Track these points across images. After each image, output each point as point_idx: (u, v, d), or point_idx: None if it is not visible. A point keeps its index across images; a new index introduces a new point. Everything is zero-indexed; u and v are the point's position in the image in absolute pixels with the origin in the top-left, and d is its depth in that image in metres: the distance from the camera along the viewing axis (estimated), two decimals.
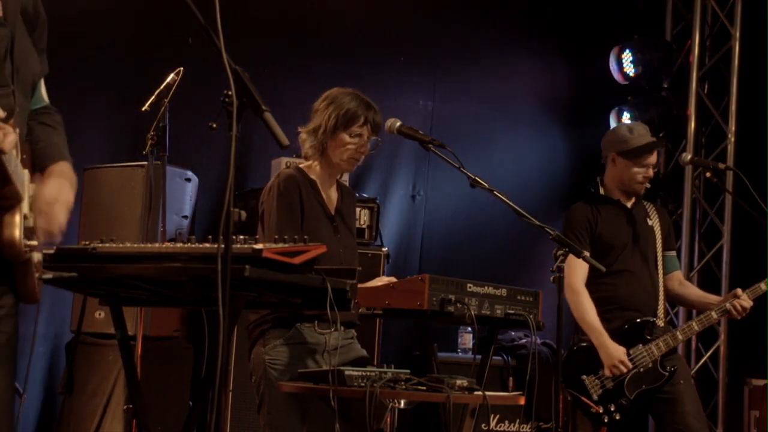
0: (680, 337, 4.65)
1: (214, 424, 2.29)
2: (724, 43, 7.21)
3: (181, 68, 4.72)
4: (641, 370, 4.55)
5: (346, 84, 3.85)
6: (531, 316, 3.75)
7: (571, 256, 3.74)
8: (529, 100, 7.43)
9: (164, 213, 4.86)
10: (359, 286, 3.38)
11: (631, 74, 7.22)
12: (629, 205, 4.79)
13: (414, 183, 6.97)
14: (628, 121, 6.98)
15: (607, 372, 4.51)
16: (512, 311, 3.70)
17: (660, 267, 4.77)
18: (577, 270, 4.53)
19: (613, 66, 7.30)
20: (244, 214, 5.32)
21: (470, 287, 3.57)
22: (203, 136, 6.00)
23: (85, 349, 5.14)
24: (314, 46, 6.54)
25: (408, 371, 3.39)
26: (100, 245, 2.73)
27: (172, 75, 4.72)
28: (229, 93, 2.34)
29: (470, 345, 5.97)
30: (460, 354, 5.97)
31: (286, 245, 2.68)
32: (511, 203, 3.60)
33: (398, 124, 3.73)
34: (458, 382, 3.33)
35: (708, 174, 5.30)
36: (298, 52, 6.48)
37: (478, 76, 7.17)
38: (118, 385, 5.03)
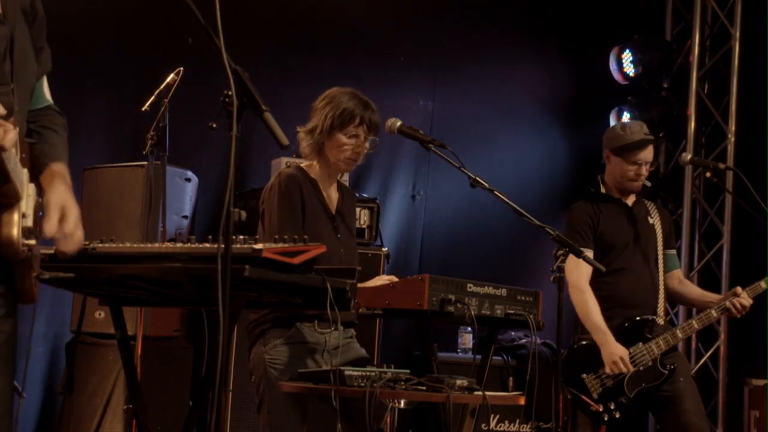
0: (680, 335, 4.66)
1: (214, 424, 2.29)
2: (724, 43, 7.21)
3: (181, 68, 4.72)
4: (641, 368, 4.55)
5: (346, 84, 3.85)
6: (531, 316, 3.75)
7: (573, 256, 3.74)
8: (529, 100, 7.43)
9: (164, 213, 4.86)
10: (359, 285, 3.38)
11: (631, 74, 7.22)
12: (630, 203, 4.79)
13: (414, 183, 6.97)
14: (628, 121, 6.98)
15: (607, 370, 4.51)
16: (512, 311, 3.70)
17: (660, 265, 4.77)
18: (582, 269, 4.52)
19: (613, 66, 7.31)
20: (244, 214, 5.32)
21: (470, 287, 3.57)
22: (203, 136, 6.00)
23: (85, 349, 5.14)
24: (314, 46, 6.54)
25: (408, 371, 3.39)
26: (100, 245, 2.73)
27: (172, 75, 4.73)
28: (229, 93, 2.34)
29: (470, 345, 5.97)
30: (460, 354, 5.97)
31: (286, 245, 2.68)
32: (511, 203, 3.60)
33: (398, 123, 3.73)
34: (458, 382, 3.33)
35: (708, 174, 5.30)
36: (298, 52, 6.47)
37: (478, 76, 7.17)
38: (118, 385, 5.03)
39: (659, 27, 7.50)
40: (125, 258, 2.71)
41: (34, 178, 2.25)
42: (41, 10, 2.37)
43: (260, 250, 2.56)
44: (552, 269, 3.68)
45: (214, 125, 2.39)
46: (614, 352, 4.49)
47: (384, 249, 5.61)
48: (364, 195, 5.90)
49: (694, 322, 4.70)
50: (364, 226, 5.64)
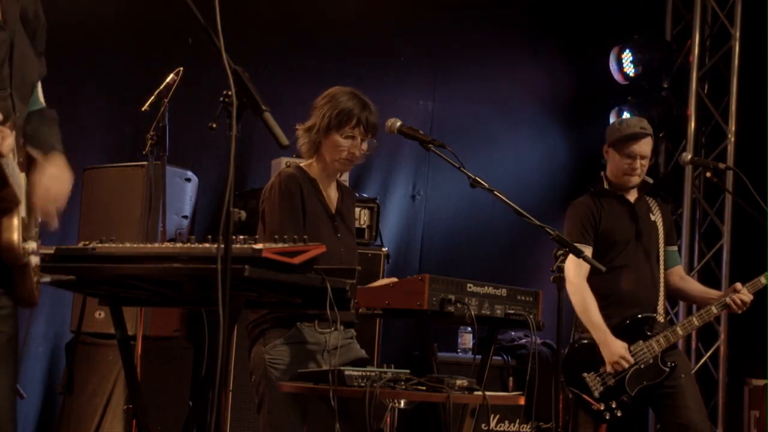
0: (680, 332, 4.65)
1: (214, 424, 2.29)
2: (724, 43, 7.21)
3: (181, 68, 4.71)
4: (642, 366, 4.55)
5: (346, 84, 3.85)
6: (531, 316, 3.75)
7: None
8: (529, 100, 7.43)
9: (164, 213, 4.86)
10: (360, 287, 3.38)
11: (631, 74, 7.22)
12: (632, 200, 4.79)
13: (414, 183, 6.97)
14: None
15: (608, 368, 4.50)
16: (512, 311, 3.70)
17: (661, 262, 4.77)
18: (580, 267, 4.52)
19: (613, 66, 7.31)
20: (244, 214, 5.32)
21: (470, 287, 3.57)
22: (203, 136, 6.00)
23: (85, 349, 5.14)
24: (314, 46, 6.54)
25: (408, 371, 3.39)
26: (100, 245, 2.73)
27: (172, 75, 4.72)
28: (229, 93, 2.34)
29: (470, 345, 5.97)
30: (460, 354, 5.97)
31: (286, 245, 2.68)
32: (511, 203, 3.60)
33: (398, 124, 3.73)
34: (458, 382, 3.33)
35: (708, 174, 5.30)
36: (298, 52, 6.47)
37: (478, 76, 7.17)
38: (118, 385, 5.03)
39: (659, 27, 7.50)
40: (125, 258, 2.71)
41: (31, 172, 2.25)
42: (43, 18, 2.37)
43: (260, 250, 2.56)
44: (552, 269, 3.68)
45: (214, 125, 2.39)
46: (614, 351, 4.49)
47: (384, 249, 5.61)
48: (364, 195, 5.90)
49: (694, 319, 4.70)
50: (364, 226, 5.64)
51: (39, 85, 2.46)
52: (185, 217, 5.48)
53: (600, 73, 7.36)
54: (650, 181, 4.81)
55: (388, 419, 5.15)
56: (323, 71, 6.28)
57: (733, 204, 6.96)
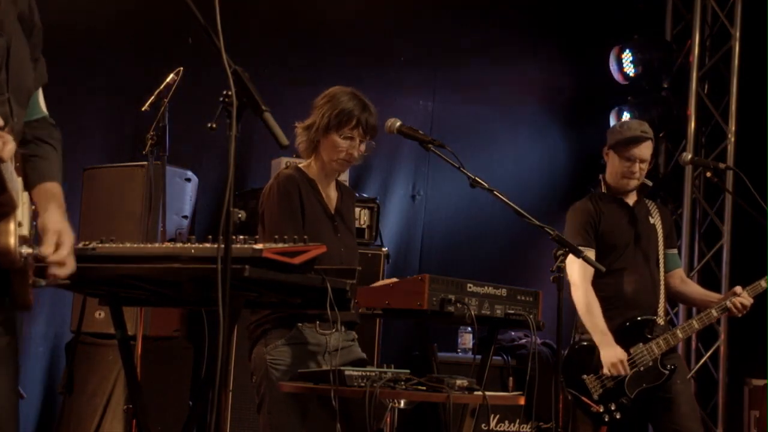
0: (680, 335, 4.65)
1: (214, 424, 2.29)
2: (724, 43, 7.21)
3: (181, 68, 4.71)
4: (642, 368, 4.55)
5: (346, 84, 3.85)
6: (531, 316, 3.75)
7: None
8: (529, 100, 7.43)
9: (164, 213, 4.86)
10: (361, 288, 3.38)
11: (631, 74, 7.22)
12: (631, 203, 4.78)
13: (414, 183, 6.97)
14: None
15: (605, 371, 4.50)
16: (512, 311, 3.70)
17: (661, 265, 4.77)
18: (584, 268, 4.52)
19: (613, 66, 7.31)
20: (244, 214, 5.30)
21: (470, 287, 3.57)
22: (203, 136, 5.98)
23: (85, 349, 5.14)
24: (314, 46, 6.54)
25: (408, 371, 3.39)
26: (100, 245, 2.73)
27: (172, 75, 4.72)
28: (229, 93, 2.34)
29: (470, 345, 5.97)
30: (460, 354, 5.97)
31: (286, 245, 2.68)
32: (511, 203, 3.59)
33: (398, 124, 3.72)
34: (458, 382, 3.33)
35: (708, 174, 5.30)
36: (298, 52, 6.47)
37: (478, 76, 7.17)
38: (118, 385, 5.03)
39: (659, 27, 7.50)
40: (125, 258, 2.71)
41: (27, 187, 2.26)
42: (39, 22, 2.37)
43: (260, 250, 2.56)
44: (552, 269, 3.68)
45: (214, 125, 2.39)
46: (613, 354, 4.49)
47: (384, 249, 5.61)
48: (364, 195, 5.90)
49: (694, 322, 4.70)
50: (364, 226, 5.64)
51: (40, 92, 2.46)
52: (185, 217, 5.48)
53: (600, 73, 7.36)
54: (649, 183, 4.81)
55: (388, 419, 5.15)
56: (323, 71, 6.27)
57: (733, 204, 6.96)
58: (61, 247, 2.22)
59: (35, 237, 2.24)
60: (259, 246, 2.58)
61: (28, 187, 2.28)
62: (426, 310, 3.40)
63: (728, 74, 7.17)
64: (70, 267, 2.26)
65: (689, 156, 5.25)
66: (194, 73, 4.92)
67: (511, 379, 5.95)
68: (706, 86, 7.27)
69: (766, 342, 6.06)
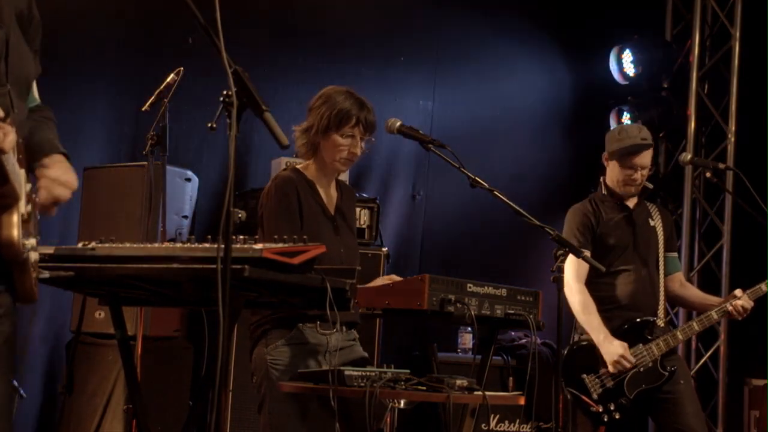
0: (680, 336, 4.65)
1: (214, 424, 2.29)
2: (724, 43, 7.22)
3: (181, 68, 4.72)
4: (641, 369, 4.55)
5: (347, 84, 3.84)
6: (531, 316, 3.75)
7: (571, 255, 3.74)
8: (529, 101, 7.43)
9: (164, 213, 4.86)
10: (360, 287, 3.38)
11: (631, 74, 7.23)
12: (631, 205, 4.78)
13: (414, 183, 6.97)
14: (628, 122, 6.98)
15: (610, 368, 4.50)
16: (512, 311, 3.69)
17: (661, 268, 4.76)
18: (578, 269, 4.52)
19: (613, 66, 7.31)
20: (244, 214, 5.30)
21: (470, 287, 3.56)
22: (203, 136, 6.01)
23: (85, 349, 5.14)
24: (315, 46, 6.54)
25: (408, 371, 3.39)
26: (100, 245, 2.73)
27: (172, 75, 4.72)
28: (229, 93, 2.34)
29: (470, 345, 5.97)
30: (460, 354, 5.97)
31: (286, 245, 2.68)
32: (511, 203, 3.59)
33: (398, 123, 3.72)
34: (458, 382, 3.33)
35: (708, 174, 5.30)
36: (297, 52, 6.48)
37: (478, 76, 7.18)
38: (118, 385, 5.03)
39: (659, 27, 7.50)
40: (125, 258, 2.71)
41: (30, 172, 2.26)
42: (37, 15, 2.37)
43: (260, 250, 2.56)
44: (552, 269, 3.68)
45: (214, 125, 2.39)
46: (614, 351, 4.48)
47: (384, 249, 5.61)
48: (364, 195, 5.90)
49: (694, 324, 4.70)
50: (364, 226, 5.65)
51: (34, 83, 2.47)
52: (185, 217, 5.48)
53: (600, 73, 7.36)
54: (650, 186, 4.80)
55: (388, 419, 5.15)
56: (323, 71, 6.28)
57: (733, 204, 6.96)
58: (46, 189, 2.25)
59: (40, 230, 2.25)
60: (259, 246, 2.58)
61: (32, 161, 2.29)
62: (426, 310, 3.40)
63: (728, 74, 7.17)
64: (72, 183, 2.28)
65: (689, 156, 5.25)
66: (194, 73, 4.92)
67: (511, 379, 5.95)
68: (706, 86, 7.27)
69: (766, 342, 6.06)
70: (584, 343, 4.61)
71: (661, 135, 7.13)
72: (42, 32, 2.41)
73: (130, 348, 3.23)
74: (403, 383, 3.28)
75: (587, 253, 4.29)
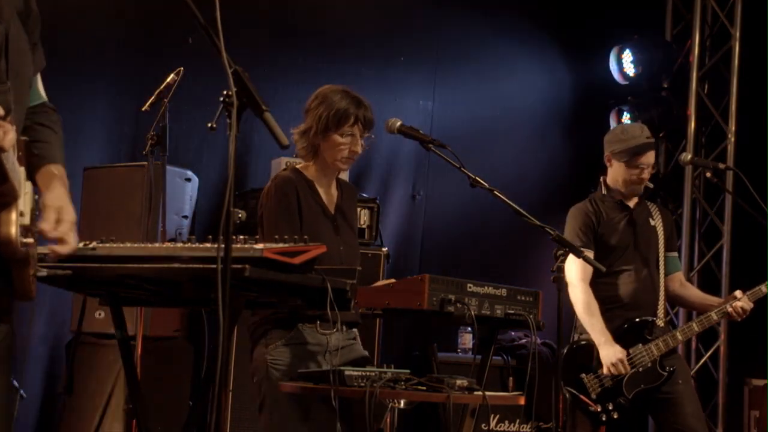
0: (680, 337, 4.65)
1: (214, 424, 2.29)
2: (724, 43, 7.22)
3: (181, 68, 4.72)
4: (640, 369, 4.55)
5: (347, 84, 3.84)
6: (531, 316, 3.75)
7: (573, 255, 3.74)
8: (529, 101, 7.43)
9: (164, 213, 4.86)
10: (361, 288, 3.38)
11: (631, 74, 7.23)
12: (631, 205, 4.78)
13: (414, 183, 6.97)
14: (628, 121, 6.98)
15: (605, 370, 4.50)
16: (512, 311, 3.69)
17: (661, 268, 4.76)
18: (582, 269, 4.52)
19: (613, 66, 7.31)
20: (244, 214, 5.32)
21: (470, 287, 3.56)
22: (203, 136, 6.01)
23: (85, 349, 5.14)
24: (315, 45, 6.54)
25: (408, 371, 3.39)
26: (100, 245, 2.73)
27: (172, 75, 4.73)
28: (229, 93, 2.34)
29: (470, 345, 5.97)
30: (460, 354, 5.97)
31: (287, 245, 2.68)
32: (511, 203, 3.59)
33: (398, 123, 3.72)
34: (458, 382, 3.33)
35: (708, 174, 5.30)
36: (296, 52, 6.48)
37: (478, 76, 7.18)
38: (118, 385, 5.03)
39: (659, 27, 7.50)
40: (125, 258, 2.71)
41: (30, 175, 2.25)
42: (35, 8, 2.37)
43: (261, 250, 2.56)
44: (552, 269, 3.68)
45: (214, 125, 2.39)
46: (612, 354, 4.48)
47: (384, 249, 5.61)
48: (364, 195, 5.90)
49: (694, 324, 4.70)
50: (364, 226, 5.65)
51: (39, 78, 2.46)
52: (185, 217, 5.48)
53: (600, 73, 7.36)
54: (650, 185, 4.81)
55: (388, 419, 5.15)
56: (323, 71, 6.27)
57: (733, 204, 6.96)
58: (61, 223, 2.22)
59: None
60: (259, 246, 2.58)
61: (32, 173, 2.28)
62: (426, 310, 3.40)
63: (728, 74, 7.17)
64: (71, 244, 2.25)
65: (689, 156, 5.24)
66: (194, 73, 4.92)
67: (511, 379, 5.95)
68: (706, 86, 7.27)
69: (766, 342, 6.06)
70: (584, 342, 4.61)
71: (661, 135, 7.13)
72: (42, 32, 2.41)
73: (130, 348, 3.24)
74: (403, 383, 3.28)
75: (588, 254, 4.29)
